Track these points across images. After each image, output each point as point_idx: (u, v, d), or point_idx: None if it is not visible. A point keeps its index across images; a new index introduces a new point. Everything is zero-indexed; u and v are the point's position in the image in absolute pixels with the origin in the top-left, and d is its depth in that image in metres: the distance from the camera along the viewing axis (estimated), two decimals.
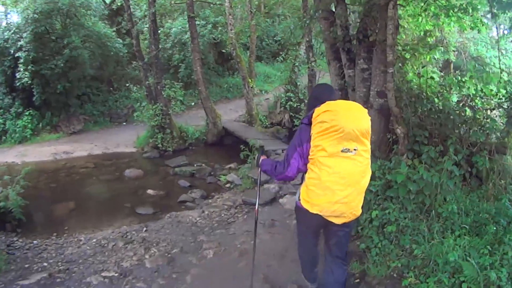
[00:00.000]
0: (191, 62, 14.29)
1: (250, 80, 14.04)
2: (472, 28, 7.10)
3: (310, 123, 2.88)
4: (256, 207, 3.85)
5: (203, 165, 10.76)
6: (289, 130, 14.87)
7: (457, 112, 5.44)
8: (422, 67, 5.79)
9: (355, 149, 2.77)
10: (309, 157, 2.86)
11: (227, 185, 8.60)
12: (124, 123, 15.64)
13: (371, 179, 5.14)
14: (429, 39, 5.77)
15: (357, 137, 2.76)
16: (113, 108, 16.14)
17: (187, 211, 7.10)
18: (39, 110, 14.42)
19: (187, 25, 13.23)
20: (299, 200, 3.03)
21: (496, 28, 6.24)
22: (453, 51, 10.99)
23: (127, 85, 14.07)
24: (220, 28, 16.10)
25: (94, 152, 12.41)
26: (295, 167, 2.95)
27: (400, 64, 5.81)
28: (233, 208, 6.80)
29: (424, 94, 5.68)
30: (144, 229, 6.30)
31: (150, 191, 8.64)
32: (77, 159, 11.77)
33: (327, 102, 2.88)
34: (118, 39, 16.17)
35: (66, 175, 10.40)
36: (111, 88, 16.53)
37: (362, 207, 3.07)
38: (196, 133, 13.22)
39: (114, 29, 16.49)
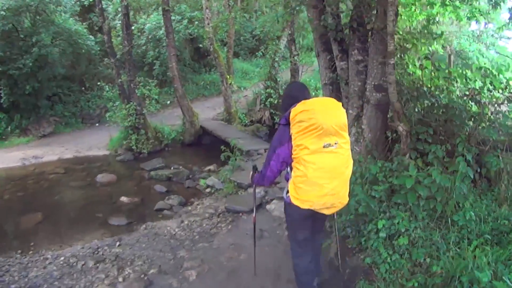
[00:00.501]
0: (166, 59, 13.60)
1: (228, 77, 13.40)
2: (469, 19, 6.67)
3: (287, 123, 2.96)
4: (254, 214, 4.09)
5: (181, 167, 10.05)
6: (269, 128, 14.36)
7: (465, 107, 4.95)
8: (424, 58, 5.26)
9: (335, 143, 2.88)
10: (293, 156, 2.93)
11: (208, 190, 7.93)
12: (97, 124, 14.85)
13: (372, 183, 4.67)
14: (433, 27, 5.23)
15: (336, 132, 2.87)
16: (85, 109, 15.28)
17: (164, 221, 6.39)
18: (8, 113, 13.48)
19: (162, 21, 12.58)
20: (288, 196, 3.09)
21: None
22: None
23: (98, 83, 13.23)
24: (196, 22, 15.37)
25: (65, 156, 11.56)
26: (275, 167, 3.08)
27: (400, 55, 5.26)
28: (215, 217, 6.14)
29: (426, 87, 5.16)
30: (117, 243, 5.58)
31: (123, 199, 7.88)
32: (46, 164, 10.87)
33: (302, 101, 2.94)
34: (90, 36, 15.35)
35: (34, 182, 9.53)
36: (83, 88, 15.62)
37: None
38: (172, 133, 12.51)
39: (85, 25, 15.65)
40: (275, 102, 14.31)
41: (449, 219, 3.96)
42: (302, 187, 2.90)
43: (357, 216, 4.33)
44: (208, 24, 12.34)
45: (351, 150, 5.41)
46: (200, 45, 16.21)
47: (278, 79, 14.68)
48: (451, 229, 3.92)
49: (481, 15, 6.52)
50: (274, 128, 14.25)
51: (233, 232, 5.41)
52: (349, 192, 4.43)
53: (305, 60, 12.03)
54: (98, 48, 15.49)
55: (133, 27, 15.45)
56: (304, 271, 3.31)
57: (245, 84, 18.38)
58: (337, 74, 5.85)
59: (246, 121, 14.07)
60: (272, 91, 14.34)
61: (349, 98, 5.56)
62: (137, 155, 11.49)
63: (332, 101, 3.05)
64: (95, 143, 12.56)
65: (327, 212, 3.04)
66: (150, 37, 16.14)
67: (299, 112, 2.85)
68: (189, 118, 12.50)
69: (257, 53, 15.80)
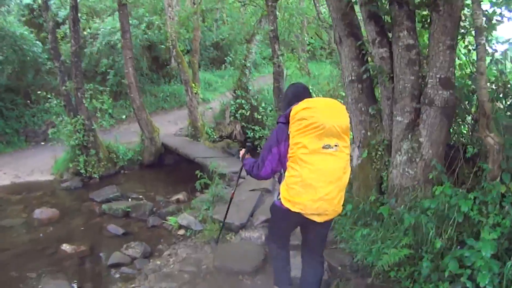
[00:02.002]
0: (122, 68, 11.65)
1: (194, 85, 11.45)
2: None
3: (287, 122, 2.79)
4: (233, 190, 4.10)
5: (141, 196, 7.97)
6: (241, 143, 12.53)
7: None
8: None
9: (336, 145, 2.70)
10: (289, 155, 2.75)
11: (181, 232, 5.81)
12: (42, 143, 12.48)
13: (461, 227, 2.99)
14: None
15: (338, 133, 2.70)
16: (30, 125, 12.98)
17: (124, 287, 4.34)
18: None
19: (117, 25, 10.95)
20: (279, 199, 2.85)
21: None
22: None
23: (39, 92, 10.94)
24: (157, 23, 13.49)
25: (1, 182, 9.39)
26: (269, 168, 2.89)
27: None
28: (200, 280, 4.06)
29: None
30: None
31: (66, 247, 5.68)
32: None
33: (305, 99, 2.81)
34: (37, 42, 13.14)
35: None
36: (28, 101, 13.31)
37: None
38: (129, 152, 10.42)
39: (34, 31, 13.54)
40: (247, 114, 12.55)
41: None
42: (295, 188, 2.69)
43: None
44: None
45: (402, 174, 3.80)
46: (162, 46, 14.43)
47: (250, 88, 12.95)
48: None
49: None
50: (247, 144, 12.55)
51: None
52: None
53: (289, 63, 10.09)
54: (46, 56, 13.33)
55: (85, 33, 13.90)
56: (280, 262, 3.14)
57: (209, 95, 16.65)
58: (370, 67, 4.20)
59: (215, 137, 12.17)
60: (243, 101, 12.58)
61: (396, 99, 3.87)
62: (87, 181, 9.43)
63: (336, 102, 2.91)
64: (38, 165, 10.40)
65: (318, 219, 2.76)
66: (104, 43, 14.06)
67: (301, 109, 2.69)
68: (148, 134, 10.46)
69: (226, 59, 13.99)
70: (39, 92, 11.08)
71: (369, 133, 4.35)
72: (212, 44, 20.85)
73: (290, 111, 2.76)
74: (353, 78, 4.38)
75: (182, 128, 13.05)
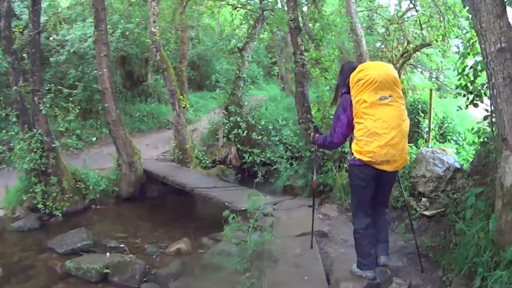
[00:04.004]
0: (92, 82, 10.03)
1: (182, 97, 9.48)
2: None
3: (348, 91, 3.30)
4: (314, 178, 4.16)
5: (123, 245, 5.68)
6: (237, 169, 10.58)
7: None
8: None
9: (390, 96, 3.17)
10: (353, 114, 3.23)
11: None
12: None
13: None
14: None
15: (390, 85, 3.17)
16: None
17: None
18: None
19: (88, 31, 10.36)
20: (353, 158, 3.27)
21: None
22: None
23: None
24: (137, 20, 11.94)
25: None
26: (340, 133, 3.39)
27: None
28: None
29: None
30: None
31: None
32: None
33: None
34: None
35: None
36: None
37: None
38: (102, 181, 8.23)
39: None
40: (244, 134, 10.62)
41: None
42: (363, 139, 3.14)
43: None
44: (154, 22, 8.51)
45: None
46: (146, 43, 12.81)
47: (246, 103, 11.09)
48: None
49: None
50: (242, 169, 10.63)
51: None
52: None
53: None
54: (6, 66, 11.10)
55: (51, 38, 12.49)
56: (363, 235, 3.34)
57: (191, 116, 14.99)
58: None
59: (207, 162, 10.16)
60: (239, 119, 10.70)
61: None
62: (46, 219, 7.33)
63: (383, 63, 3.56)
64: None
65: (388, 168, 3.16)
66: (72, 50, 12.16)
67: (356, 73, 3.21)
68: (127, 158, 8.32)
69: (218, 68, 12.33)
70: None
71: None
72: (188, 63, 19.46)
73: (349, 80, 3.29)
74: (502, 45, 2.85)
75: (165, 152, 11.31)
